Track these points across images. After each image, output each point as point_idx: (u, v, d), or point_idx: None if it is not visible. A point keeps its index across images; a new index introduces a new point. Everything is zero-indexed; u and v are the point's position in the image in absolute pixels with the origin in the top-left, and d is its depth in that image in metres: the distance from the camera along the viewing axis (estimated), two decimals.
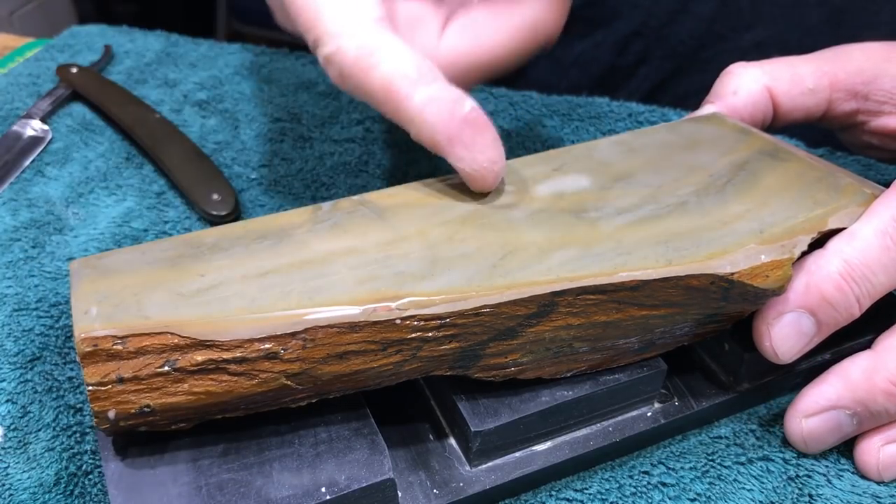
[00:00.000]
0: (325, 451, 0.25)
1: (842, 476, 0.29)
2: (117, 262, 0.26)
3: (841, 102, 0.36)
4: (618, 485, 0.29)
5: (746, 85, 0.36)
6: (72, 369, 0.33)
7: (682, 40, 0.52)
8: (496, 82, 0.53)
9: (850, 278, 0.27)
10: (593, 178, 0.31)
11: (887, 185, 0.29)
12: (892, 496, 0.28)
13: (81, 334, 0.23)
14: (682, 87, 0.53)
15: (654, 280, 0.26)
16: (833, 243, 0.28)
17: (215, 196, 0.41)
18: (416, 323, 0.24)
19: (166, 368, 0.23)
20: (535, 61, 0.55)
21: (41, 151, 0.46)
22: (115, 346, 0.23)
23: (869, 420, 0.28)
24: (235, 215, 0.41)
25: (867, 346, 0.33)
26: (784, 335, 0.28)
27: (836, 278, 0.27)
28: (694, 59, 0.48)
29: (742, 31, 0.51)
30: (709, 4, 0.51)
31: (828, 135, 0.48)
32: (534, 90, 0.53)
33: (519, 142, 0.47)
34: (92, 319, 0.24)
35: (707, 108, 0.37)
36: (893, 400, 0.28)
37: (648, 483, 0.29)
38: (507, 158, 0.30)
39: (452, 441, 0.29)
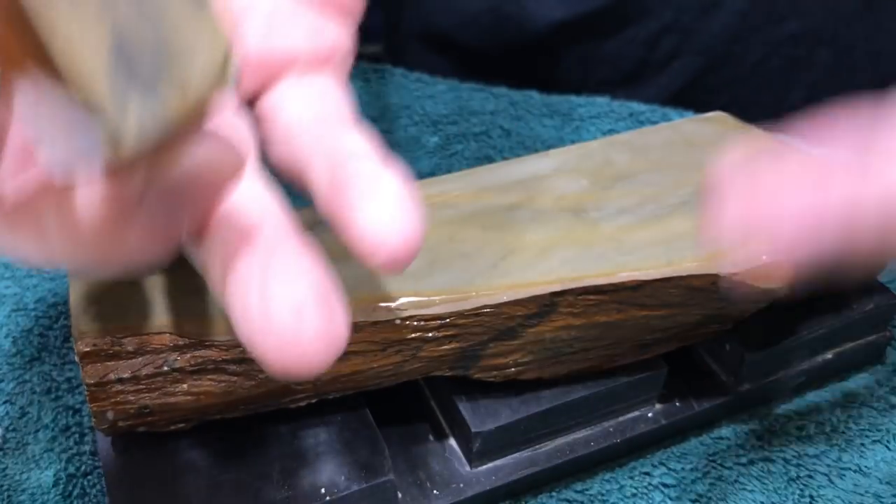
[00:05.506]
0: (325, 452, 0.25)
1: (843, 476, 0.29)
2: None
3: None
4: (618, 486, 0.29)
5: None
6: (70, 370, 0.32)
7: (714, 35, 0.51)
8: (499, 81, 0.53)
9: None
10: (594, 178, 0.31)
11: None
12: (894, 496, 0.28)
13: (80, 334, 0.23)
14: (715, 81, 0.53)
15: (655, 280, 0.26)
16: None
17: None
18: (416, 323, 0.24)
19: (165, 368, 0.23)
20: (564, 58, 0.55)
21: None
22: (113, 346, 0.23)
23: None
24: None
25: (867, 346, 0.33)
26: None
27: None
28: (727, 53, 0.47)
29: (776, 22, 0.51)
30: None
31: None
32: (564, 86, 0.53)
33: (519, 141, 0.47)
34: (91, 319, 0.24)
35: None
36: None
37: (649, 484, 0.29)
38: (508, 158, 0.29)
39: (452, 441, 0.28)
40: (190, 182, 0.14)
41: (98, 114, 0.11)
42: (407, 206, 0.19)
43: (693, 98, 0.52)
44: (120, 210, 0.14)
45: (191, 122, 0.13)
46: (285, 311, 0.15)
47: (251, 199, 0.18)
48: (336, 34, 0.24)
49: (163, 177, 0.14)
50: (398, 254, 0.18)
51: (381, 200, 0.18)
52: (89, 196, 0.14)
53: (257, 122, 0.23)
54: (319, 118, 0.22)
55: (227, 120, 0.20)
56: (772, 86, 0.52)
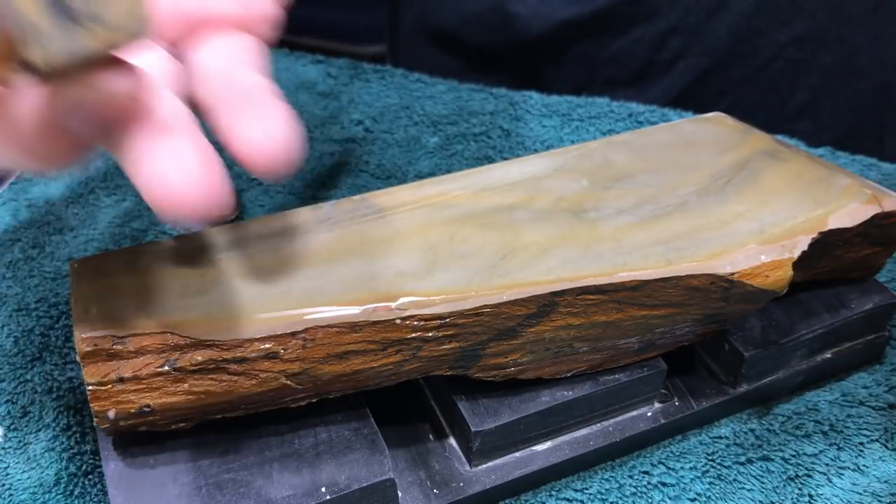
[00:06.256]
0: (325, 451, 0.25)
1: (842, 475, 0.29)
2: (117, 261, 0.26)
3: None
4: (618, 485, 0.29)
5: None
6: (72, 369, 0.32)
7: (720, 36, 0.52)
8: (503, 79, 0.53)
9: None
10: (593, 178, 0.31)
11: (888, 185, 0.29)
12: (892, 494, 0.28)
13: (81, 334, 0.23)
14: (720, 82, 0.53)
15: (654, 280, 0.26)
16: None
17: None
18: (416, 323, 0.24)
19: (166, 368, 0.23)
20: (570, 57, 0.55)
21: None
22: (115, 346, 0.23)
23: None
24: (235, 215, 0.41)
25: (866, 345, 0.33)
26: None
27: None
28: (731, 54, 0.47)
29: (781, 25, 0.51)
30: (748, 0, 0.51)
31: (829, 135, 0.48)
32: (569, 85, 0.52)
33: (519, 142, 0.47)
34: (92, 319, 0.24)
35: None
36: None
37: (648, 483, 0.29)
38: (508, 158, 0.29)
39: (452, 441, 0.29)
40: (108, 99, 0.18)
41: (37, 35, 0.16)
42: (287, 127, 0.22)
43: (697, 99, 0.52)
44: (54, 118, 0.18)
45: (107, 49, 0.17)
46: (175, 171, 0.19)
47: (164, 102, 0.22)
48: (262, 4, 0.28)
49: (87, 95, 0.18)
50: (275, 161, 0.21)
51: (264, 118, 0.22)
52: (29, 104, 0.18)
53: (186, 67, 0.27)
54: (231, 65, 0.26)
55: (153, 59, 0.25)
56: (776, 88, 0.52)
